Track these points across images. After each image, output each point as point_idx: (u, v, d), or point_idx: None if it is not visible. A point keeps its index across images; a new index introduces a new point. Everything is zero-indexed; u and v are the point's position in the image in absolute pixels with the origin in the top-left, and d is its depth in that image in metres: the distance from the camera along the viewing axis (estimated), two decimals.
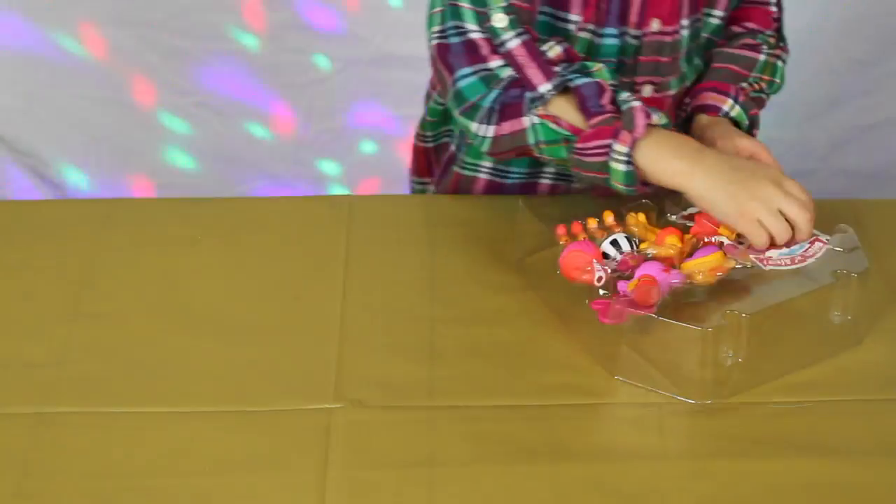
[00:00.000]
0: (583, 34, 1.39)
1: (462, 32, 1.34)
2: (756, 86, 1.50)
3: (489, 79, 1.32)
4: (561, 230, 1.28)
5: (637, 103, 1.28)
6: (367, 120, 2.53)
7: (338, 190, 2.56)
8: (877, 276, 1.29)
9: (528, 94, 1.31)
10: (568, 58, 1.34)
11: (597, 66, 1.33)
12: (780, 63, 1.53)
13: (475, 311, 1.30)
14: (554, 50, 1.33)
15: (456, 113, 1.35)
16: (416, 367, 1.22)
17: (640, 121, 1.27)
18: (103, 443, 1.14)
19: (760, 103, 1.51)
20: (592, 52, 1.40)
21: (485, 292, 1.32)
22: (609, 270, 1.22)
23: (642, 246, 1.27)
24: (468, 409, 1.18)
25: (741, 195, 1.25)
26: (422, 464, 1.11)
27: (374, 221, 1.45)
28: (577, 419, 1.17)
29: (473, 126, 1.33)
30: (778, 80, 1.52)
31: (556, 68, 1.31)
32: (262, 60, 2.50)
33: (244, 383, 1.21)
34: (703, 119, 1.45)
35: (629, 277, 1.21)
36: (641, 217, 1.30)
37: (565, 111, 1.30)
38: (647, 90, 1.44)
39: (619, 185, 1.28)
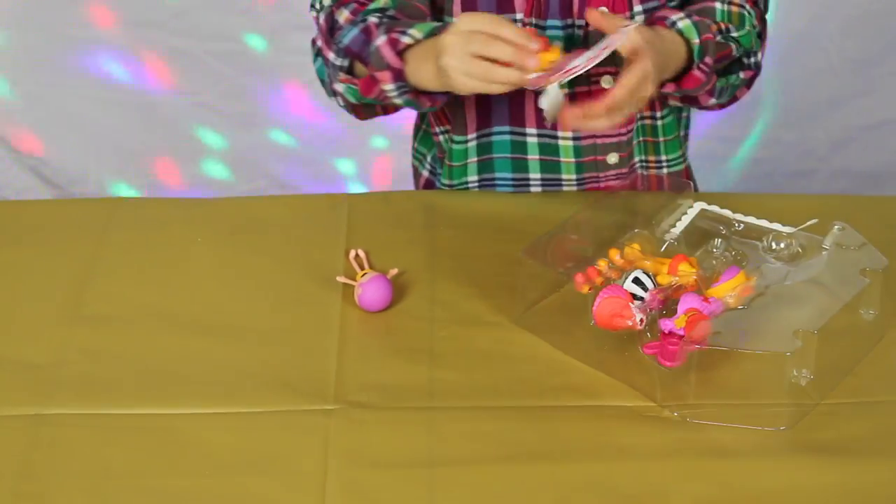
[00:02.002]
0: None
1: (311, 8, 1.43)
2: (720, 25, 1.39)
3: (317, 56, 1.44)
4: (580, 278, 1.23)
5: (382, 39, 1.31)
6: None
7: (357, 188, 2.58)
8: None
9: (330, 64, 1.39)
10: (355, 15, 1.37)
11: (383, 1, 1.37)
12: (745, 13, 1.43)
13: (475, 312, 1.29)
14: (342, 14, 1.38)
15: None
16: (416, 369, 1.22)
17: (389, 54, 1.30)
18: (103, 443, 1.14)
19: (724, 49, 1.39)
20: None
21: (485, 293, 1.32)
22: (648, 311, 1.19)
23: (659, 279, 1.23)
24: (468, 409, 1.18)
25: (440, 59, 1.23)
26: (422, 464, 1.11)
27: (373, 221, 1.45)
28: (577, 420, 1.17)
29: (334, 99, 1.44)
30: (748, 28, 1.42)
31: (338, 34, 1.37)
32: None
33: (244, 384, 1.21)
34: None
35: (664, 314, 1.18)
36: (636, 247, 1.28)
37: (361, 68, 1.37)
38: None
39: (417, 110, 1.40)
